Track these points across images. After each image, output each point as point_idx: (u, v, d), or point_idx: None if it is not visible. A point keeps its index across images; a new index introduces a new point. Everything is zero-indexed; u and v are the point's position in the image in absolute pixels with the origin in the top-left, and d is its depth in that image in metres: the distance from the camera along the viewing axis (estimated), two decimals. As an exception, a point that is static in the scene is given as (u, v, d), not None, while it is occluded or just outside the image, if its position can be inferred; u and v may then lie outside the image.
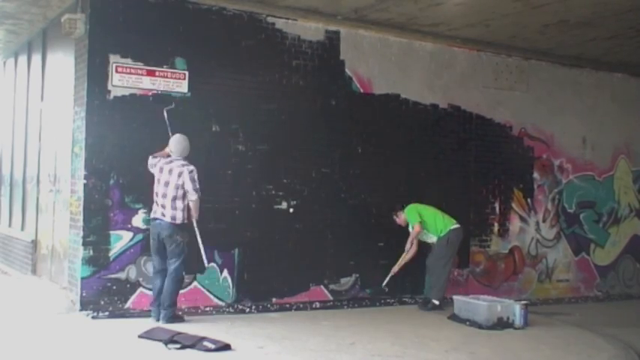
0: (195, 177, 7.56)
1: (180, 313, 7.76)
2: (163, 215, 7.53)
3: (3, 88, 12.50)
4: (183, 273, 7.66)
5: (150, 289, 7.99)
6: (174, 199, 7.51)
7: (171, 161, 7.64)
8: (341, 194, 9.27)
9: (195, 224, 7.65)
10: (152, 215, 7.66)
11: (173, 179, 7.53)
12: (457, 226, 9.31)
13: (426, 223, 9.22)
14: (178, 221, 7.52)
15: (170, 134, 7.77)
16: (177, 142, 7.67)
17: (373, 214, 9.48)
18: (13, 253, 11.11)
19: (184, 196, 7.52)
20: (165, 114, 7.98)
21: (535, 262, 10.92)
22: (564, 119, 11.23)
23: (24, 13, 9.35)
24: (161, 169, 7.62)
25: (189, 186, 7.49)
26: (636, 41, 10.06)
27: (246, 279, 8.62)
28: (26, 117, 10.86)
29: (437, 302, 9.08)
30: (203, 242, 7.72)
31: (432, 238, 9.28)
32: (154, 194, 7.62)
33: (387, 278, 9.28)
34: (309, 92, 9.11)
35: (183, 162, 7.62)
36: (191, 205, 7.56)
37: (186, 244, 7.59)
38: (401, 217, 9.34)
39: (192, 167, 7.59)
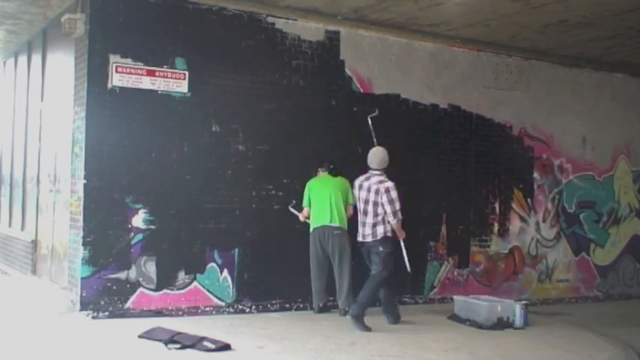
0: (394, 196, 7.62)
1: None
2: (364, 237, 7.81)
3: (3, 88, 12.50)
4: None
5: (150, 289, 8.02)
6: (375, 216, 7.69)
7: (368, 177, 7.86)
8: (341, 194, 9.27)
9: (402, 242, 7.81)
10: (358, 238, 7.93)
11: (371, 197, 7.74)
12: (318, 225, 8.49)
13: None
14: (379, 237, 7.69)
15: (375, 143, 8.12)
16: (372, 155, 7.94)
17: (373, 214, 9.47)
18: (13, 253, 11.11)
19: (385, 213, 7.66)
20: (369, 121, 8.51)
21: (535, 262, 10.92)
22: (564, 119, 11.23)
23: (24, 13, 9.35)
24: (360, 186, 7.91)
25: (387, 209, 7.62)
26: (636, 41, 10.06)
27: (246, 279, 8.63)
28: (26, 117, 10.86)
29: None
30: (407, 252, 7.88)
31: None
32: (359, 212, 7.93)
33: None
34: (309, 92, 9.11)
35: (380, 177, 7.77)
36: (392, 226, 7.70)
37: (390, 254, 7.72)
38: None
39: (388, 184, 7.68)
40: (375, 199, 7.71)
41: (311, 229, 8.59)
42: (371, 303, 7.90)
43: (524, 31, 9.73)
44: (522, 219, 10.80)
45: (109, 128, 7.93)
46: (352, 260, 8.45)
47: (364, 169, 9.39)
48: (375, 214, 7.71)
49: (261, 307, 8.66)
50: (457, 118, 10.22)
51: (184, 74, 8.30)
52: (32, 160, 10.40)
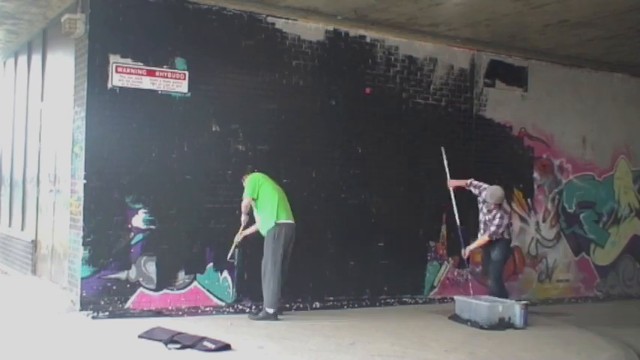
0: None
1: None
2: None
3: (3, 88, 12.50)
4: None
5: (150, 289, 8.02)
6: None
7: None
8: (341, 194, 9.27)
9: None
10: None
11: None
12: (289, 221, 8.17)
13: (262, 202, 8.13)
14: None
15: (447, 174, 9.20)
16: (491, 194, 8.87)
17: (373, 214, 9.48)
18: (13, 253, 11.11)
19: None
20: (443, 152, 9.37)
21: (535, 262, 10.91)
22: (564, 119, 11.23)
23: (24, 13, 9.35)
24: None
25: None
26: (636, 41, 10.06)
27: (246, 279, 8.62)
28: (26, 117, 10.86)
29: (270, 310, 7.96)
30: None
31: (257, 225, 8.24)
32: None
33: (232, 249, 8.33)
34: (309, 92, 9.11)
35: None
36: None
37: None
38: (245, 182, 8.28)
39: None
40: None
41: (277, 223, 8.09)
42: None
43: (524, 31, 9.73)
44: (522, 219, 10.79)
45: (109, 128, 7.93)
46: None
47: (364, 168, 9.44)
48: None
49: (261, 307, 8.64)
50: (457, 118, 10.21)
51: (184, 74, 8.30)
52: (32, 160, 10.40)
